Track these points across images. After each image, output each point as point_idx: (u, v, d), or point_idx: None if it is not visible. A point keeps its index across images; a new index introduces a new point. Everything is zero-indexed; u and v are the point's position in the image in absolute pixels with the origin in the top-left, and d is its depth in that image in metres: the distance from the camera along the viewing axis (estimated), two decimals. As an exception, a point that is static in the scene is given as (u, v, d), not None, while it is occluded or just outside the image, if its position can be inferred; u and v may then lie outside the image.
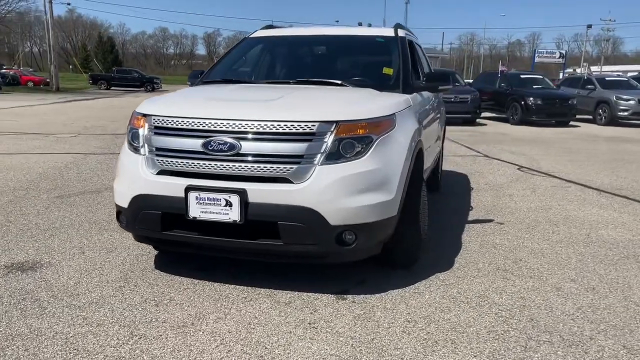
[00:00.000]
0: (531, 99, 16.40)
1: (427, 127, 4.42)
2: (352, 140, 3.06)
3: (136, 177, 3.22)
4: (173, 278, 3.43)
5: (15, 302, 3.03)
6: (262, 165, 2.99)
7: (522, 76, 19.49)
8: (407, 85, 4.04)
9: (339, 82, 3.99)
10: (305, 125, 3.00)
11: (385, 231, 3.20)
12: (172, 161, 3.14)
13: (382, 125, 3.21)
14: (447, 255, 3.98)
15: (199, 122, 3.12)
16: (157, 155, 3.19)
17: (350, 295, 3.23)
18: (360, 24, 11.04)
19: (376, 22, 39.43)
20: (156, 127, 3.24)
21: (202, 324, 2.82)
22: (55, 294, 3.14)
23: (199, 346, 2.61)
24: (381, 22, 52.82)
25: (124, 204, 3.28)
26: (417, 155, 3.59)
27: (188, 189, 3.05)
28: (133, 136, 3.35)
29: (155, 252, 3.87)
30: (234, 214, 2.99)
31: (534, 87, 17.88)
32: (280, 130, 3.00)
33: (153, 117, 3.26)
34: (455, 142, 11.20)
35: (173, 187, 3.09)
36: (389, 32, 4.61)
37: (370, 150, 3.09)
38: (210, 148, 3.05)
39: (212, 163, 3.06)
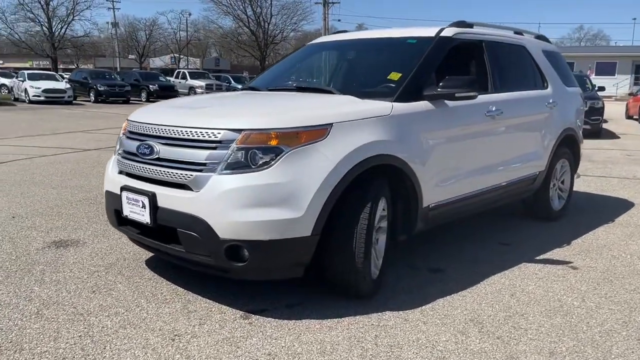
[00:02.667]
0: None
1: (456, 143, 3.77)
2: (257, 150, 2.85)
3: (107, 175, 3.56)
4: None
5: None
6: (170, 171, 3.02)
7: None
8: (408, 92, 3.52)
9: (328, 89, 3.72)
10: (212, 133, 2.92)
11: (292, 252, 2.89)
12: (123, 162, 3.39)
13: (300, 136, 2.90)
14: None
15: (139, 126, 3.31)
16: (120, 156, 3.47)
17: (256, 316, 3.02)
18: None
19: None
20: (127, 131, 3.53)
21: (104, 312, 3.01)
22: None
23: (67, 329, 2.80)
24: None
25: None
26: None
27: (122, 188, 3.26)
28: (118, 139, 3.72)
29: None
30: (146, 217, 3.09)
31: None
32: (190, 136, 2.98)
33: (128, 122, 3.55)
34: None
35: (117, 185, 3.33)
36: (429, 32, 4.05)
37: (277, 163, 2.83)
38: (140, 151, 3.20)
39: (139, 165, 3.21)
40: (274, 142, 2.87)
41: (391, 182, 3.37)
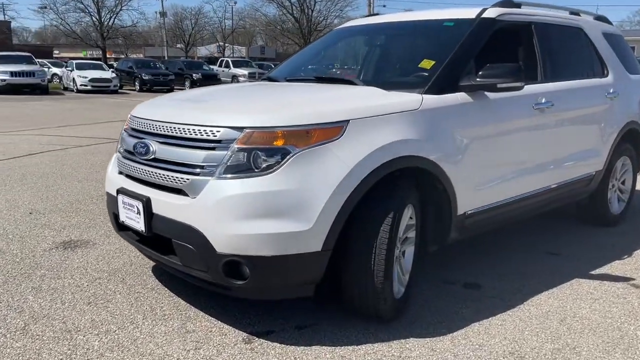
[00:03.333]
0: None
1: (497, 140, 3.28)
2: (260, 151, 2.47)
3: (107, 174, 3.27)
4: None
5: (12, 275, 3.46)
6: (165, 173, 2.68)
7: None
8: (442, 82, 3.05)
9: (349, 79, 3.29)
10: (210, 131, 2.55)
11: (300, 270, 2.51)
12: (122, 162, 3.08)
13: (310, 135, 2.50)
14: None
15: (138, 123, 2.98)
16: (121, 155, 3.16)
17: (260, 340, 2.65)
18: None
19: None
20: (129, 128, 3.21)
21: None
22: (46, 274, 3.47)
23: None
24: None
25: (107, 197, 3.38)
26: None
27: (118, 191, 2.95)
28: (120, 136, 3.41)
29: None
30: (141, 224, 2.77)
31: None
32: (186, 134, 2.63)
33: (130, 118, 3.23)
34: None
35: (115, 187, 3.03)
36: (469, 13, 3.54)
37: (283, 166, 2.44)
38: (136, 150, 2.87)
39: (136, 166, 2.89)
40: (279, 142, 2.48)
41: (420, 185, 2.93)
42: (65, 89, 25.97)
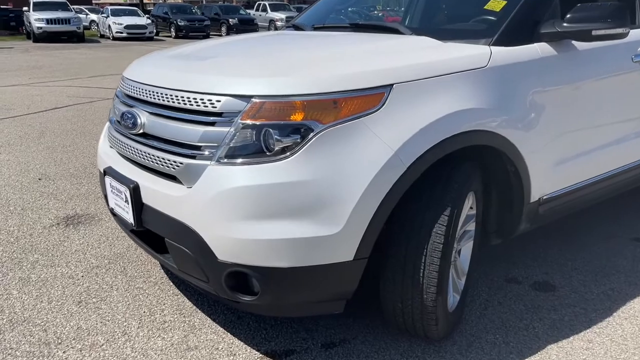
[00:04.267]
0: None
1: (586, 105, 2.54)
2: (272, 128, 1.84)
3: (99, 147, 2.71)
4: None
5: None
6: (155, 154, 2.09)
7: None
8: (516, 29, 2.31)
9: (394, 26, 2.57)
10: (208, 100, 1.93)
11: (325, 284, 1.92)
12: (112, 135, 2.51)
13: (340, 106, 1.85)
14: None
15: (128, 86, 2.39)
16: (111, 124, 2.59)
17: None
18: None
19: None
20: (120, 92, 2.62)
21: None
22: (40, 260, 3.02)
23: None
24: None
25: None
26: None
27: (105, 172, 2.40)
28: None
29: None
30: (130, 215, 2.22)
31: None
32: (179, 104, 2.02)
33: (122, 79, 2.63)
34: None
35: (103, 166, 2.47)
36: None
37: (304, 149, 1.81)
38: (123, 122, 2.29)
39: (124, 141, 2.32)
40: (298, 117, 1.84)
41: (484, 167, 2.26)
42: (102, 36, 25.61)
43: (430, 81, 1.98)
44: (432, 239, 1.97)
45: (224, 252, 1.88)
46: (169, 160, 2.02)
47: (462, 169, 2.08)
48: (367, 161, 1.83)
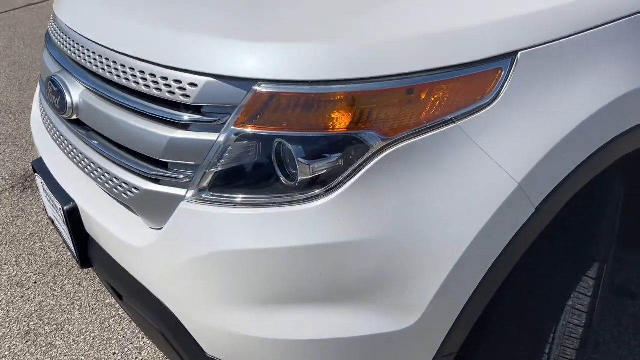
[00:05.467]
0: None
1: None
2: (296, 143, 0.98)
3: (32, 114, 1.85)
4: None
5: None
6: (96, 160, 1.26)
7: None
8: None
9: None
10: (176, 83, 1.05)
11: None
12: (42, 105, 1.64)
13: (419, 99, 0.97)
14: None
15: (59, 32, 1.48)
16: (42, 88, 1.69)
17: None
18: None
19: None
20: (48, 37, 1.69)
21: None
22: None
23: None
24: None
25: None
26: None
27: (34, 168, 1.57)
28: None
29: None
30: (70, 243, 1.43)
31: None
32: (132, 84, 1.13)
33: (53, 17, 1.68)
34: None
35: (38, 149, 1.64)
36: None
37: (352, 181, 0.97)
38: (48, 95, 1.43)
39: (55, 123, 1.47)
40: (343, 121, 0.98)
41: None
42: None
43: (583, 38, 1.07)
44: (566, 309, 1.18)
45: (212, 344, 1.12)
46: (116, 179, 1.19)
47: (614, 192, 1.24)
48: (469, 202, 0.99)
